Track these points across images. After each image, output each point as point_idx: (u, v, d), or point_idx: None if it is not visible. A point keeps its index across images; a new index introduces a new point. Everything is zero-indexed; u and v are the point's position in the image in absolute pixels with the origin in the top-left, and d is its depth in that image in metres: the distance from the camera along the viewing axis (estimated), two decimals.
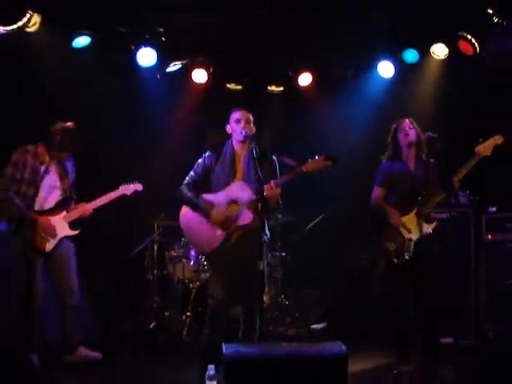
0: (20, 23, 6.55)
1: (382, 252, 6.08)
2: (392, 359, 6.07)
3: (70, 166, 6.29)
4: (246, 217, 5.45)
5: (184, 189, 5.64)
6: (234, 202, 5.49)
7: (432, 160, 5.98)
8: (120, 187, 6.52)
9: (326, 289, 8.19)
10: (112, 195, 6.44)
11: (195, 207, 5.58)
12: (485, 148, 5.66)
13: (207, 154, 5.71)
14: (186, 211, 5.68)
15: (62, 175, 6.16)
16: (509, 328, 6.85)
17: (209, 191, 5.62)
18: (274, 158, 5.64)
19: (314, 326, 7.85)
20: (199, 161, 5.71)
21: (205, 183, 5.64)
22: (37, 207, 5.99)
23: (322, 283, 8.24)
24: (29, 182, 5.92)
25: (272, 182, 5.32)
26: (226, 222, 5.48)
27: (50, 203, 6.08)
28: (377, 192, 6.12)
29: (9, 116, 7.30)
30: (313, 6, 7.35)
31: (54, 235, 6.00)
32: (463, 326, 6.92)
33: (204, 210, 5.53)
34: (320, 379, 4.02)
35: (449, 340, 5.88)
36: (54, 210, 6.08)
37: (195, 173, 5.68)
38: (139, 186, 6.56)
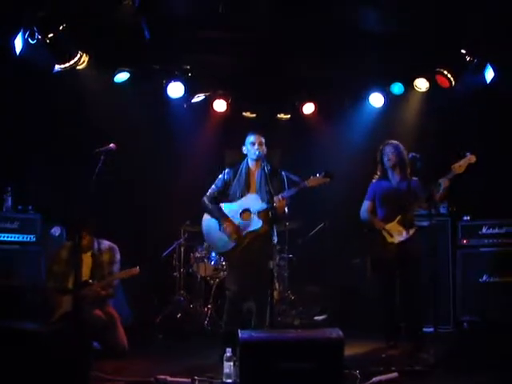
0: (72, 62, 6.66)
1: (370, 254, 6.15)
2: (382, 345, 6.11)
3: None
4: (257, 223, 5.53)
5: (206, 200, 5.76)
6: (247, 210, 5.59)
7: (415, 178, 6.04)
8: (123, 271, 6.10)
9: (326, 286, 8.19)
10: (112, 278, 6.07)
11: (213, 215, 5.71)
12: (460, 166, 5.67)
13: (226, 170, 5.82)
14: (206, 218, 5.80)
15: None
16: (481, 319, 6.87)
17: (226, 201, 5.72)
18: (283, 173, 5.70)
19: (316, 318, 7.86)
20: (219, 176, 5.82)
21: (223, 195, 5.75)
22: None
23: (322, 281, 8.24)
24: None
25: (280, 195, 5.41)
26: (234, 232, 5.59)
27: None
28: (365, 205, 6.23)
29: (60, 138, 7.42)
30: (314, 49, 7.42)
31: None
32: (443, 317, 6.93)
33: (219, 218, 5.64)
34: (320, 359, 4.07)
35: (430, 329, 5.86)
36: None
37: (216, 186, 5.79)
38: (136, 270, 6.01)
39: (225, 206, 5.72)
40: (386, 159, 6.07)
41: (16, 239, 6.76)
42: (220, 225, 5.65)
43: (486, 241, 7.19)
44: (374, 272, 6.22)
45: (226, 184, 5.77)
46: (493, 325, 6.66)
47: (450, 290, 7.20)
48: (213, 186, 5.80)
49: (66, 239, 6.96)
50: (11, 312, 5.84)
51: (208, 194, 5.78)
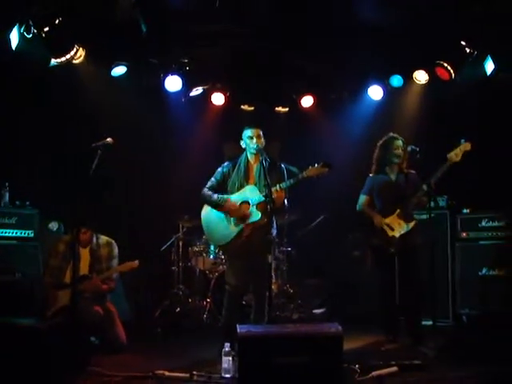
0: (68, 56, 6.62)
1: (370, 248, 6.15)
2: (381, 338, 6.12)
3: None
4: (256, 215, 5.53)
5: (205, 191, 5.73)
6: (246, 202, 5.58)
7: (412, 171, 6.04)
8: (122, 265, 6.08)
9: (325, 279, 8.21)
10: (112, 272, 6.05)
11: (213, 201, 5.67)
12: (456, 155, 5.65)
13: (226, 164, 5.81)
14: (206, 210, 5.80)
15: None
16: (480, 313, 6.87)
17: (225, 194, 5.70)
18: (283, 166, 5.68)
19: (314, 311, 7.88)
20: (218, 169, 5.80)
21: (222, 188, 5.73)
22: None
23: (321, 274, 8.25)
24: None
25: (278, 185, 5.40)
26: (237, 212, 5.58)
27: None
28: (362, 199, 6.23)
29: (57, 133, 7.40)
30: (313, 41, 7.40)
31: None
32: (442, 310, 6.90)
33: (220, 201, 5.62)
34: (320, 354, 4.07)
35: (429, 322, 5.86)
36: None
37: (215, 179, 5.77)
38: (135, 264, 6.01)
39: None
40: (396, 152, 6.01)
41: (14, 235, 6.75)
42: (221, 207, 5.63)
43: (485, 234, 7.19)
44: (375, 266, 6.20)
45: (225, 177, 5.75)
46: (492, 318, 6.66)
47: (449, 283, 7.21)
48: (212, 179, 5.79)
49: (64, 234, 6.96)
50: (9, 308, 5.84)
51: (207, 186, 5.77)
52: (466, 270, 7.15)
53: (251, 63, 7.99)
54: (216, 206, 5.67)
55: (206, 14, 6.95)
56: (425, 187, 5.69)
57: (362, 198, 6.22)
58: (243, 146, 5.75)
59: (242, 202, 5.60)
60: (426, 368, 4.92)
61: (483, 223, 7.21)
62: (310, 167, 5.42)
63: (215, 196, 5.66)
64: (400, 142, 6.03)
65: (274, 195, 5.26)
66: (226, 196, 5.64)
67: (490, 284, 6.98)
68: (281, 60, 7.95)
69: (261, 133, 5.66)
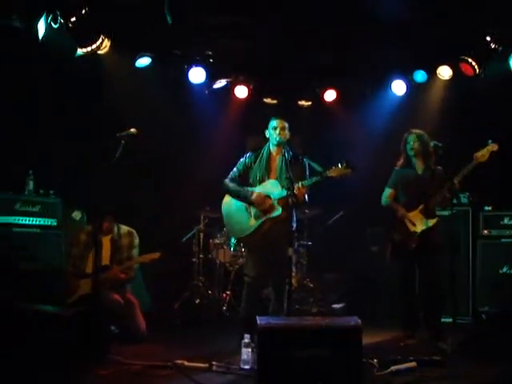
0: (94, 46, 6.66)
1: (390, 242, 6.12)
2: (400, 334, 6.10)
3: None
4: (277, 210, 5.52)
5: (227, 181, 5.75)
6: (267, 196, 5.57)
7: (439, 167, 6.00)
8: (144, 256, 6.12)
9: (344, 274, 8.19)
10: (132, 262, 6.14)
11: (238, 193, 5.67)
12: (483, 155, 5.66)
13: (248, 154, 5.82)
14: (227, 200, 5.79)
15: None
16: (499, 311, 6.81)
17: (246, 186, 5.70)
18: (306, 160, 5.66)
19: (334, 306, 7.86)
20: (241, 160, 5.81)
21: (244, 179, 5.73)
22: None
23: (341, 269, 8.23)
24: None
25: (300, 183, 5.37)
26: (264, 201, 5.56)
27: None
28: (386, 192, 6.21)
29: (82, 123, 7.44)
30: (337, 35, 7.37)
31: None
32: (461, 307, 6.86)
33: (245, 193, 5.62)
34: (338, 347, 4.06)
35: (448, 319, 5.84)
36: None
37: (237, 169, 5.78)
38: (157, 255, 6.03)
39: None
40: (408, 148, 6.03)
41: (37, 223, 6.77)
42: (246, 199, 5.61)
43: (507, 232, 7.12)
44: (394, 260, 6.18)
45: (247, 167, 5.75)
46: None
47: (469, 280, 7.15)
48: (234, 169, 5.80)
49: (86, 223, 7.01)
50: (32, 295, 5.90)
51: (229, 176, 5.78)
52: (487, 267, 7.09)
53: (274, 56, 7.96)
54: (242, 196, 5.66)
55: (230, 5, 6.94)
56: (449, 184, 5.67)
57: (387, 192, 6.20)
58: (267, 136, 5.75)
59: (264, 196, 5.60)
60: (445, 364, 4.89)
61: (505, 221, 7.15)
62: (334, 167, 5.33)
63: (237, 189, 5.67)
64: (413, 136, 6.01)
65: (296, 191, 5.24)
66: (250, 188, 5.66)
67: (510, 282, 6.92)
68: (304, 54, 7.91)
69: (286, 125, 5.66)
